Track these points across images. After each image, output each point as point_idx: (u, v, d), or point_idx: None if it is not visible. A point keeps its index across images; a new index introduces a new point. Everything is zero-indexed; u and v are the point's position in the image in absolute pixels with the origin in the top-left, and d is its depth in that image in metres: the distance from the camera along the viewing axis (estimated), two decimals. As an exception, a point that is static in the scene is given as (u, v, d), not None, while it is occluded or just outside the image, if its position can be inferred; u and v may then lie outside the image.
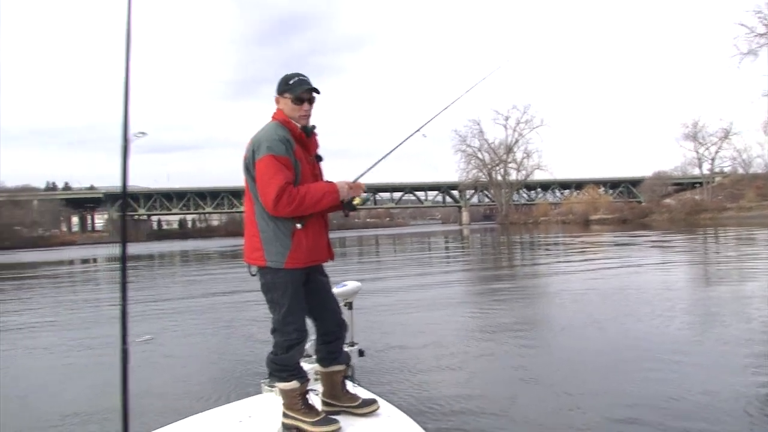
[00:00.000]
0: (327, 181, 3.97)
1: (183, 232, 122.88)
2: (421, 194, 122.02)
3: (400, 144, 4.51)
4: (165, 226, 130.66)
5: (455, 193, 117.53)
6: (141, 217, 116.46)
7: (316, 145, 4.11)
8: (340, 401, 4.06)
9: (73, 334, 11.85)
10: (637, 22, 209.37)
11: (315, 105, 4.03)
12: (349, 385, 4.19)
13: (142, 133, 3.57)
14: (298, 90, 3.89)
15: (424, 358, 8.16)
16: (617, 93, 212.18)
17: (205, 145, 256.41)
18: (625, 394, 6.08)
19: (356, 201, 4.02)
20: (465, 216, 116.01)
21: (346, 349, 4.43)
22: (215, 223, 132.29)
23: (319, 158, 4.12)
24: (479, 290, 16.84)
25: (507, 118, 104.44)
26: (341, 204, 3.97)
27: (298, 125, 3.92)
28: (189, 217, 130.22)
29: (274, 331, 3.88)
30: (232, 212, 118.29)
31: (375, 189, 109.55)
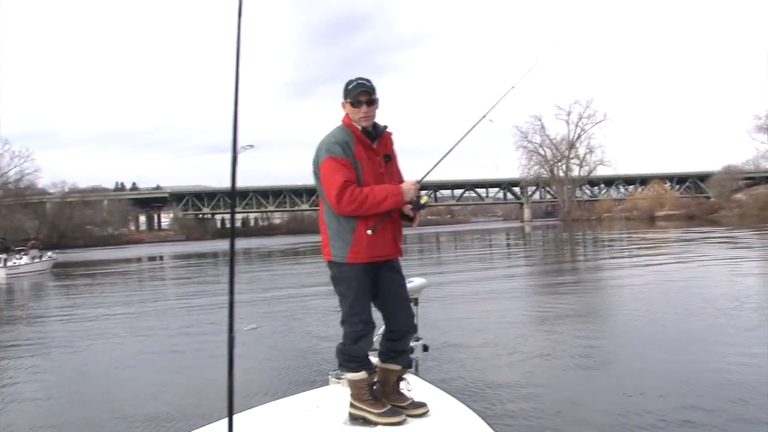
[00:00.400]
0: (392, 184, 4.11)
1: (245, 230, 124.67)
2: (482, 191, 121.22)
3: (468, 132, 4.57)
4: (228, 225, 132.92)
5: (516, 189, 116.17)
6: (206, 216, 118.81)
7: (386, 146, 4.24)
8: (388, 399, 4.13)
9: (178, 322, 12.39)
10: (706, 11, 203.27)
11: (379, 105, 4.19)
12: (403, 386, 4.24)
13: (250, 146, 3.76)
14: (353, 93, 4.05)
15: (484, 355, 8.21)
16: (684, 84, 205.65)
17: (267, 144, 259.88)
18: (687, 395, 5.95)
19: (423, 200, 4.15)
20: (526, 213, 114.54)
21: (412, 344, 4.54)
22: (277, 221, 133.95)
23: (388, 158, 4.24)
24: (540, 286, 16.74)
25: (569, 113, 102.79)
26: (411, 204, 4.12)
27: (359, 127, 4.08)
28: (251, 216, 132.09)
29: (342, 323, 4.03)
30: (294, 210, 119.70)
31: (436, 186, 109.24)
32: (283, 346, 9.88)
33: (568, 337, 9.21)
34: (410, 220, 4.24)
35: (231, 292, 2.85)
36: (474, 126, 4.61)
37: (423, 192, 4.22)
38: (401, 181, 4.31)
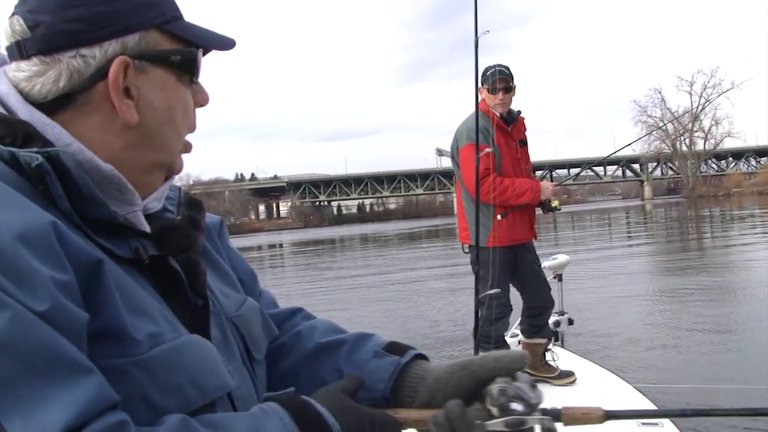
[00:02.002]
0: (533, 179, 4.25)
1: (361, 216, 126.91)
2: (599, 169, 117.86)
3: (626, 146, 4.63)
4: (344, 211, 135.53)
5: (635, 166, 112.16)
6: (322, 203, 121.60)
7: (519, 131, 4.37)
8: (537, 372, 4.31)
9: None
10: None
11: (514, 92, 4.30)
12: (549, 357, 4.42)
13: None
14: (491, 80, 4.18)
15: (608, 347, 8.12)
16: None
17: (380, 130, 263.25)
18: None
19: (554, 203, 4.29)
20: (647, 190, 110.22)
21: (557, 318, 4.72)
22: (392, 206, 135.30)
23: (523, 143, 4.38)
24: (666, 269, 16.22)
25: (692, 84, 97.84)
26: (540, 203, 4.26)
27: (497, 113, 4.20)
28: (366, 201, 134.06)
29: (480, 305, 4.21)
30: (409, 195, 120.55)
31: (551, 166, 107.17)
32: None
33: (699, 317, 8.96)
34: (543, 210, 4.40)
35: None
36: (631, 143, 4.67)
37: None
38: (530, 166, 4.46)
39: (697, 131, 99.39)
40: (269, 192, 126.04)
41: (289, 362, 1.19)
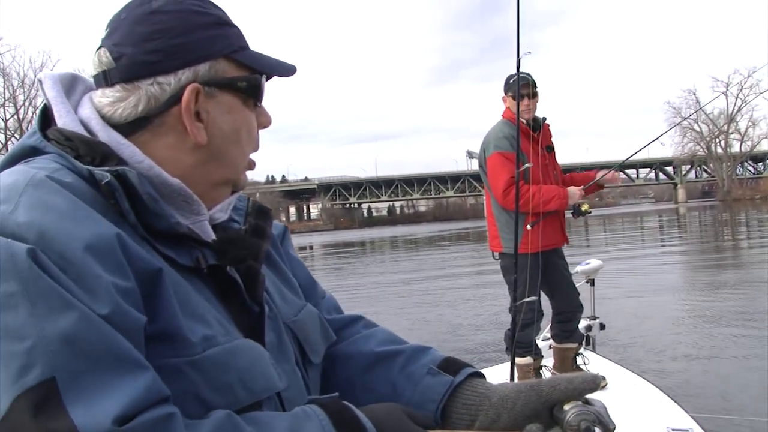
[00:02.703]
0: (559, 186, 4.27)
1: (391, 219, 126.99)
2: (631, 172, 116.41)
3: (645, 146, 4.64)
4: (375, 213, 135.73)
5: (669, 169, 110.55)
6: (353, 205, 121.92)
7: (546, 137, 4.40)
8: (569, 376, 4.34)
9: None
10: None
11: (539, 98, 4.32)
12: (580, 361, 4.44)
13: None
14: (515, 87, 4.20)
15: (638, 354, 8.07)
16: None
17: (410, 132, 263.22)
18: None
19: (584, 207, 4.30)
20: (681, 193, 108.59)
21: (588, 322, 4.74)
22: (422, 208, 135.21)
23: (550, 149, 4.40)
24: (699, 275, 15.99)
25: (728, 85, 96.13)
26: (572, 209, 4.28)
27: (523, 120, 4.23)
28: (397, 204, 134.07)
29: (511, 310, 4.24)
30: (439, 197, 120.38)
31: (582, 168, 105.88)
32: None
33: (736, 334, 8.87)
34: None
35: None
36: (657, 137, 4.65)
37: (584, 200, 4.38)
38: (559, 170, 4.47)
39: (732, 133, 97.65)
40: (300, 194, 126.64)
41: (346, 370, 1.24)
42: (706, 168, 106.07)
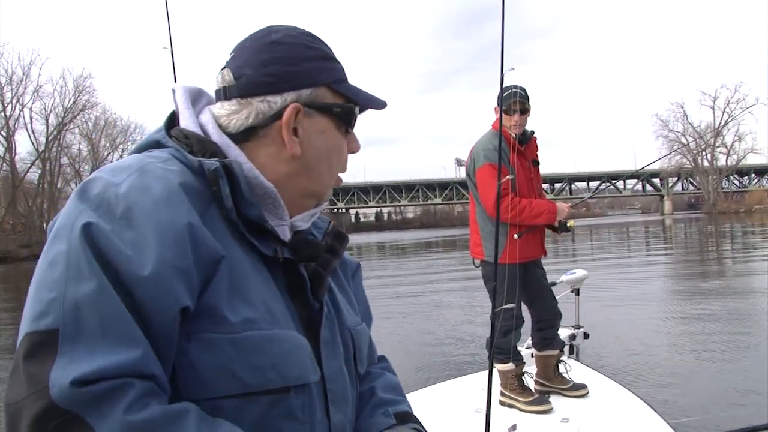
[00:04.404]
0: (549, 201, 4.36)
1: (378, 224, 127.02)
2: (618, 183, 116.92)
3: (647, 165, 4.73)
4: (362, 219, 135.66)
5: (656, 181, 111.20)
6: (340, 210, 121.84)
7: (533, 151, 4.48)
8: (551, 383, 4.42)
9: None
10: None
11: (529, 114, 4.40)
12: (562, 369, 4.52)
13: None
14: (507, 102, 4.27)
15: (620, 362, 8.15)
16: None
17: (399, 138, 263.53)
18: None
19: (570, 223, 4.40)
20: (667, 205, 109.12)
21: (573, 331, 4.83)
22: (410, 215, 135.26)
23: (536, 163, 4.48)
24: (683, 288, 16.14)
25: (715, 99, 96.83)
26: (557, 224, 4.38)
27: (513, 134, 4.31)
28: (384, 210, 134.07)
29: (496, 318, 4.32)
30: (427, 204, 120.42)
31: (570, 178, 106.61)
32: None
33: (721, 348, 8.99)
34: (554, 230, 4.51)
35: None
36: (655, 161, 4.73)
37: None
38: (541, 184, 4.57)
39: (719, 147, 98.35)
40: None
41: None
42: (692, 180, 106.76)
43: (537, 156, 4.54)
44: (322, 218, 1.36)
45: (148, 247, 0.92)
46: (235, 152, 1.14)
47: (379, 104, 1.30)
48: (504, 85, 4.09)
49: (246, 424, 0.97)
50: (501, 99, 4.25)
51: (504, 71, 3.55)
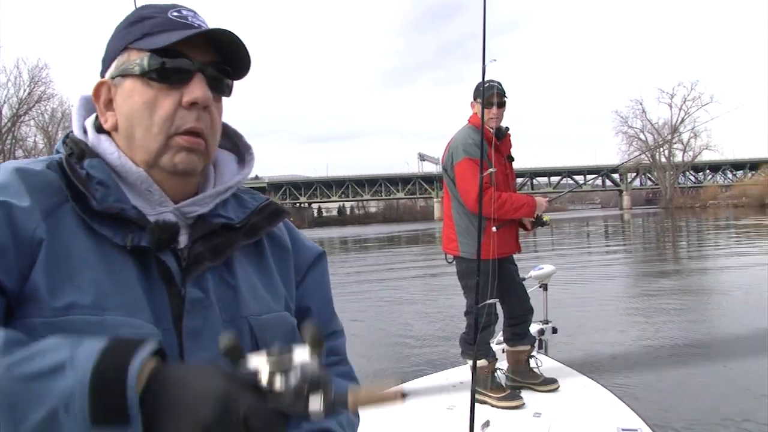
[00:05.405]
0: (528, 194, 4.38)
1: (341, 219, 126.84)
2: (579, 178, 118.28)
3: (625, 162, 4.76)
4: (325, 214, 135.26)
5: (615, 176, 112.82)
6: (303, 205, 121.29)
7: (508, 146, 4.48)
8: (523, 378, 4.45)
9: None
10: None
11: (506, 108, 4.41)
12: (533, 364, 4.55)
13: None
14: (485, 95, 4.26)
15: (589, 356, 8.18)
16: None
17: (362, 133, 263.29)
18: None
19: (546, 218, 4.42)
20: (626, 200, 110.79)
21: (541, 326, 4.85)
22: (373, 209, 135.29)
23: (510, 158, 4.49)
24: (643, 285, 16.40)
25: (672, 96, 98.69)
26: (534, 218, 4.39)
27: (490, 128, 4.30)
28: (347, 204, 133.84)
29: (467, 314, 4.32)
30: (390, 199, 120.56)
31: (532, 173, 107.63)
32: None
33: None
34: (525, 228, 4.52)
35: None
36: (623, 163, 4.78)
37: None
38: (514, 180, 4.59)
39: (676, 143, 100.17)
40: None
41: None
42: (650, 176, 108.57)
43: (511, 152, 4.55)
44: (257, 197, 1.27)
45: None
46: (104, 146, 1.14)
47: (182, 35, 1.10)
48: (487, 78, 4.08)
49: None
50: (482, 92, 4.22)
51: (486, 63, 3.53)
